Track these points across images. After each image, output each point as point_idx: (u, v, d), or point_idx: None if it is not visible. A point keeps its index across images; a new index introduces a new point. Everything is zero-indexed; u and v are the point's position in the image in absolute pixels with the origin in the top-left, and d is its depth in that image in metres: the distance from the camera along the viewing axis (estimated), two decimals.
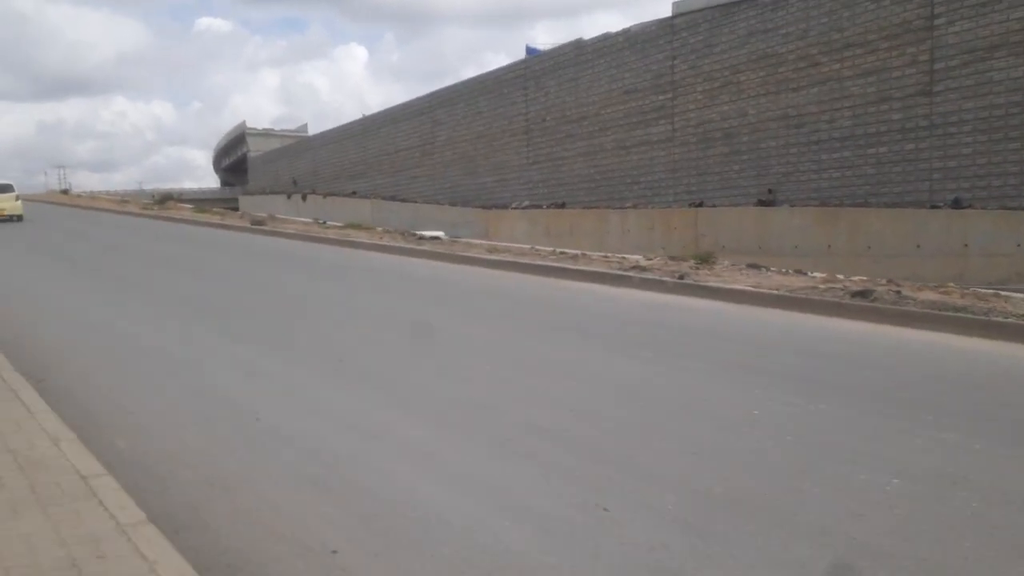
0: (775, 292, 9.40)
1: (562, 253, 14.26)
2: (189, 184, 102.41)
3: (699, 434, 5.08)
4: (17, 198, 31.49)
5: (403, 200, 39.19)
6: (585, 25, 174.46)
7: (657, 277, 10.79)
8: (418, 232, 18.80)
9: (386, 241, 17.29)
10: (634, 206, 27.33)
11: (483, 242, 17.76)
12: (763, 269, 10.98)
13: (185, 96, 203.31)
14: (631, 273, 11.27)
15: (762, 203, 23.63)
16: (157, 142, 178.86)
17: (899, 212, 20.00)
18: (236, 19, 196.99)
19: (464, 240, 17.49)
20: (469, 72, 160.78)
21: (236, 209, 59.29)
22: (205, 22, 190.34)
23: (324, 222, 24.03)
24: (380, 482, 4.41)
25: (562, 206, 30.45)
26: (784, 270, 11.36)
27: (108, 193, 69.26)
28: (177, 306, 10.49)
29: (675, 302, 9.94)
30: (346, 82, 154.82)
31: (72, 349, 8.23)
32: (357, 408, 5.93)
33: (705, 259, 11.57)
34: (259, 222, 22.34)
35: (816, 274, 10.82)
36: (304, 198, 46.86)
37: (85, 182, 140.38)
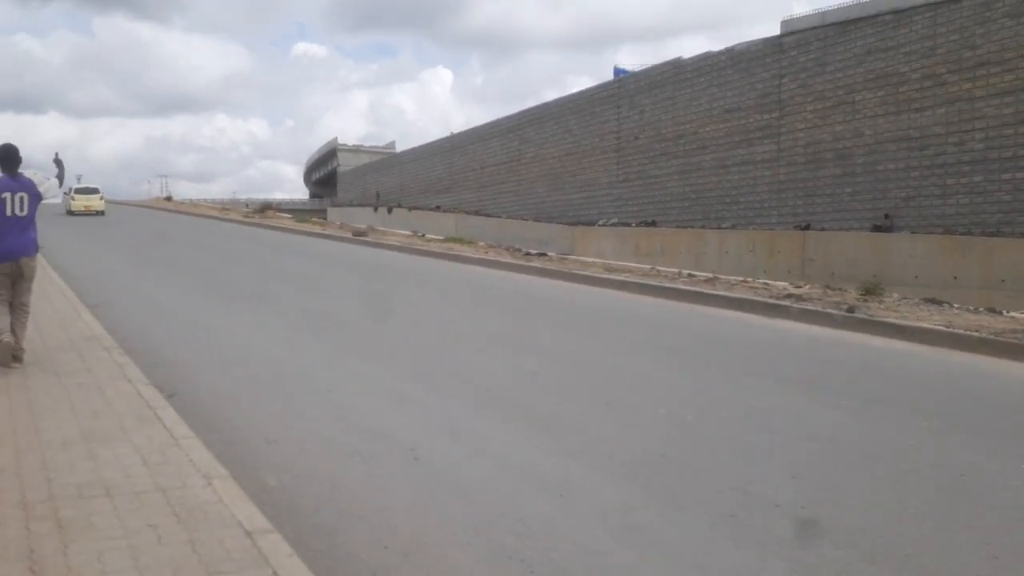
0: (975, 334, 8.00)
1: (691, 275, 13.00)
2: (279, 195, 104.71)
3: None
4: (101, 198, 37.44)
5: (487, 215, 38.38)
6: (670, 49, 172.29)
7: (820, 309, 9.44)
8: (524, 248, 17.80)
9: (492, 256, 16.32)
10: (733, 226, 25.81)
11: (596, 260, 16.62)
12: (945, 305, 9.56)
13: (279, 114, 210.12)
14: (786, 303, 9.96)
15: (878, 228, 21.87)
16: (251, 156, 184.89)
17: None
18: (331, 44, 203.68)
19: (575, 257, 16.40)
20: (551, 95, 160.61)
21: (325, 219, 59.85)
22: (302, 47, 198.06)
23: (423, 235, 23.26)
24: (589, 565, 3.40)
25: (652, 224, 29.10)
26: (973, 308, 9.89)
27: (208, 201, 70.87)
28: (302, 320, 9.68)
29: (850, 339, 8.60)
30: (432, 103, 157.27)
31: (199, 361, 7.44)
32: (527, 452, 4.87)
33: (871, 290, 10.19)
34: (360, 233, 21.74)
35: (1015, 314, 9.34)
36: (390, 211, 46.58)
37: (185, 191, 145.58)
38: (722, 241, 25.38)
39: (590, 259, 16.99)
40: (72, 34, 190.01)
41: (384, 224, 42.67)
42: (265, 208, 41.22)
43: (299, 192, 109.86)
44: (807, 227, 23.59)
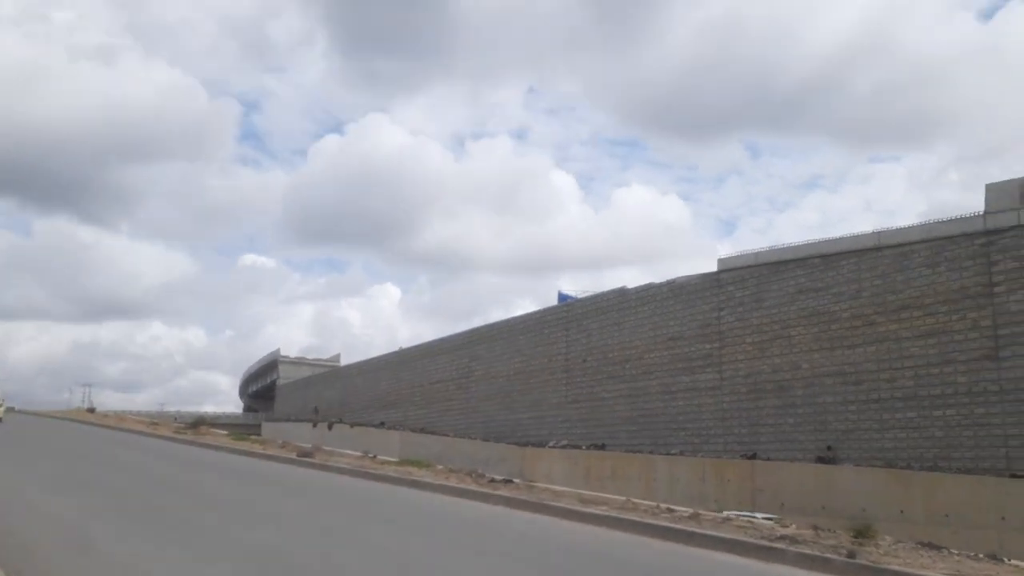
0: None
1: (670, 510, 12.39)
2: (210, 408, 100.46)
3: None
4: (1, 404, 40.25)
5: (434, 433, 37.45)
6: (608, 277, 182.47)
7: (819, 553, 8.94)
8: (487, 473, 17.03)
9: (453, 482, 15.46)
10: (681, 453, 25.57)
11: (567, 489, 15.90)
12: (943, 550, 9.20)
13: (219, 324, 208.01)
14: (780, 545, 9.44)
15: (821, 460, 21.90)
16: (184, 366, 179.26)
17: (981, 480, 18.20)
18: (280, 257, 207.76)
19: (542, 485, 15.65)
20: (496, 314, 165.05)
21: (260, 434, 57.56)
22: (250, 258, 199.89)
23: (374, 456, 22.25)
24: None
25: (602, 447, 28.68)
26: (972, 554, 9.54)
27: (135, 413, 67.59)
28: (249, 565, 8.41)
29: None
30: (378, 317, 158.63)
31: None
32: None
33: (863, 532, 9.77)
34: (306, 454, 20.63)
35: (1017, 562, 9.01)
36: (330, 427, 45.12)
37: (108, 400, 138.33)
38: (672, 468, 25.00)
39: (559, 487, 16.29)
40: (8, 233, 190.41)
41: (325, 441, 41.14)
42: (198, 423, 39.49)
43: (231, 405, 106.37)
44: (754, 456, 23.51)
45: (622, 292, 29.85)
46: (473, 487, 14.54)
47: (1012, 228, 18.83)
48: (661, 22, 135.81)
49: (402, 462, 19.57)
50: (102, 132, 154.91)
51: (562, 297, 47.30)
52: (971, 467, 18.83)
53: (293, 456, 21.04)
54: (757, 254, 24.98)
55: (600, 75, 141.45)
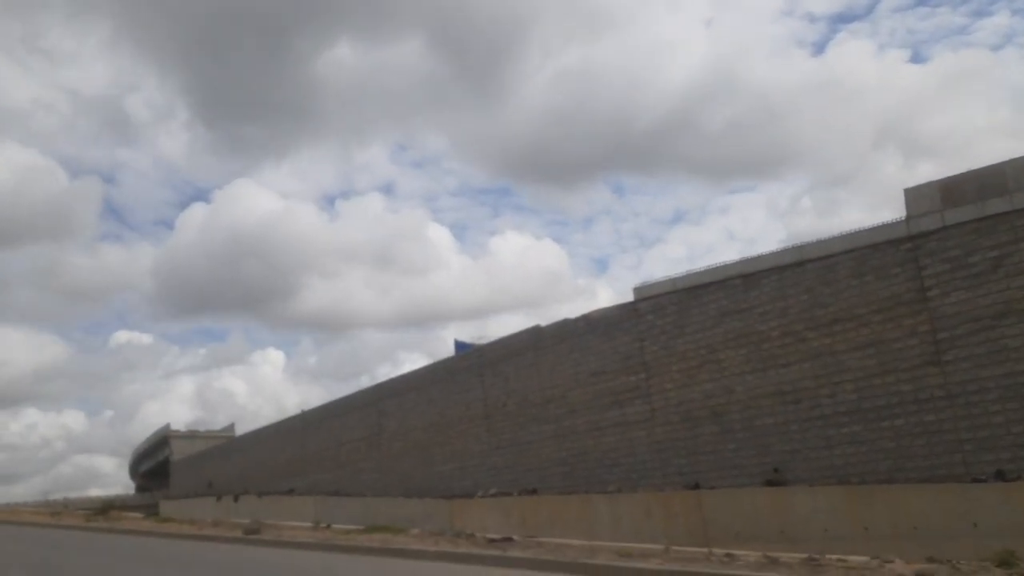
0: None
1: (729, 555, 9.31)
2: (96, 492, 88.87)
3: None
4: None
5: (349, 495, 32.82)
6: (494, 324, 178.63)
7: None
8: (477, 534, 13.36)
9: (447, 547, 11.88)
10: (619, 489, 22.69)
11: (574, 541, 12.57)
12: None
13: (97, 405, 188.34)
14: None
15: (771, 483, 19.61)
16: (65, 451, 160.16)
17: (944, 488, 16.34)
18: (155, 331, 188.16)
19: (551, 540, 12.30)
20: (384, 370, 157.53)
21: (157, 513, 50.16)
22: (124, 335, 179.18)
23: (328, 525, 17.94)
24: None
25: (533, 492, 25.40)
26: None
27: (23, 505, 57.85)
28: None
29: None
30: (264, 384, 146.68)
31: None
32: None
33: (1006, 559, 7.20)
34: (253, 530, 16.23)
35: None
36: (236, 499, 39.26)
37: None
38: (614, 507, 22.04)
39: (578, 541, 12.92)
40: None
41: (231, 515, 35.45)
42: (107, 508, 33.17)
43: (119, 487, 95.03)
44: (697, 486, 20.97)
45: (536, 331, 26.89)
46: (476, 550, 11.07)
47: (937, 231, 17.41)
48: (518, 75, 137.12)
49: (370, 529, 15.62)
50: None
51: (459, 346, 43.76)
52: (929, 476, 17.00)
53: (239, 535, 16.47)
54: (674, 280, 22.75)
55: (464, 128, 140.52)
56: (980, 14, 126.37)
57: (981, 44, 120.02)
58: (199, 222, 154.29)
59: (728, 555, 9.11)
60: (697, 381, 21.68)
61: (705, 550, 10.02)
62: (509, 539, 12.20)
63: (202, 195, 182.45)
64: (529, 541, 11.42)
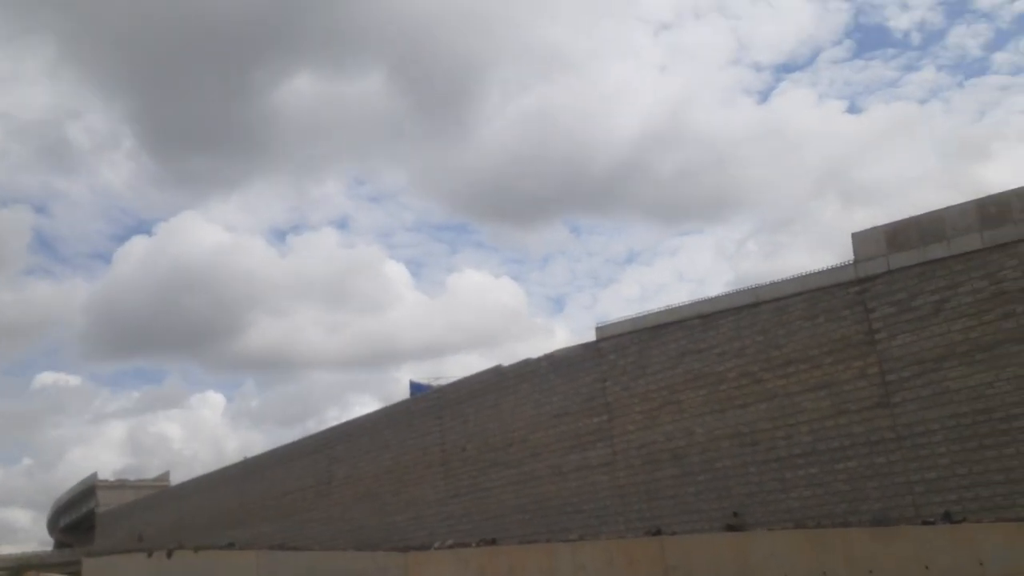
0: None
1: None
2: (9, 549, 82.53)
3: None
4: None
5: (296, 548, 31.60)
6: (449, 364, 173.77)
7: None
8: None
9: None
10: (580, 537, 22.54)
11: None
12: None
13: (15, 453, 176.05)
14: None
15: (731, 528, 19.81)
16: None
17: (896, 531, 16.75)
18: (84, 373, 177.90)
19: None
20: (333, 413, 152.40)
21: (79, 573, 47.28)
22: (49, 377, 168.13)
23: None
24: None
25: (493, 542, 24.96)
26: None
27: None
28: None
29: None
30: (202, 429, 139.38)
31: None
32: None
33: None
34: None
35: None
36: (169, 554, 37.28)
37: None
38: (575, 555, 21.81)
39: None
40: None
41: (165, 573, 33.72)
42: (22, 568, 30.92)
43: (34, 543, 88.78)
44: (658, 532, 21.01)
45: (497, 371, 26.86)
46: None
47: (883, 274, 18.35)
48: (478, 113, 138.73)
49: None
50: None
51: (415, 387, 43.22)
52: (881, 518, 17.48)
53: None
54: (635, 319, 23.19)
55: (423, 164, 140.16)
56: (909, 68, 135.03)
57: (910, 98, 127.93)
58: (139, 256, 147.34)
59: None
60: (658, 422, 21.96)
61: None
62: None
63: (144, 227, 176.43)
64: None
